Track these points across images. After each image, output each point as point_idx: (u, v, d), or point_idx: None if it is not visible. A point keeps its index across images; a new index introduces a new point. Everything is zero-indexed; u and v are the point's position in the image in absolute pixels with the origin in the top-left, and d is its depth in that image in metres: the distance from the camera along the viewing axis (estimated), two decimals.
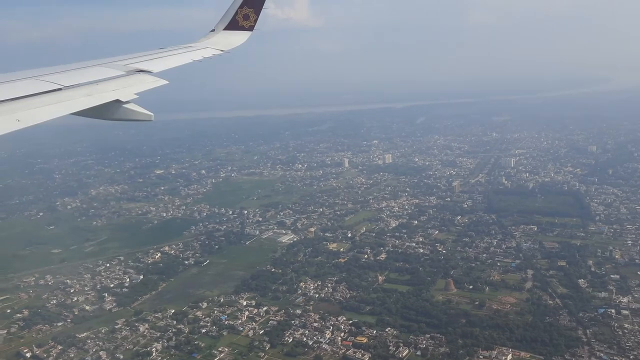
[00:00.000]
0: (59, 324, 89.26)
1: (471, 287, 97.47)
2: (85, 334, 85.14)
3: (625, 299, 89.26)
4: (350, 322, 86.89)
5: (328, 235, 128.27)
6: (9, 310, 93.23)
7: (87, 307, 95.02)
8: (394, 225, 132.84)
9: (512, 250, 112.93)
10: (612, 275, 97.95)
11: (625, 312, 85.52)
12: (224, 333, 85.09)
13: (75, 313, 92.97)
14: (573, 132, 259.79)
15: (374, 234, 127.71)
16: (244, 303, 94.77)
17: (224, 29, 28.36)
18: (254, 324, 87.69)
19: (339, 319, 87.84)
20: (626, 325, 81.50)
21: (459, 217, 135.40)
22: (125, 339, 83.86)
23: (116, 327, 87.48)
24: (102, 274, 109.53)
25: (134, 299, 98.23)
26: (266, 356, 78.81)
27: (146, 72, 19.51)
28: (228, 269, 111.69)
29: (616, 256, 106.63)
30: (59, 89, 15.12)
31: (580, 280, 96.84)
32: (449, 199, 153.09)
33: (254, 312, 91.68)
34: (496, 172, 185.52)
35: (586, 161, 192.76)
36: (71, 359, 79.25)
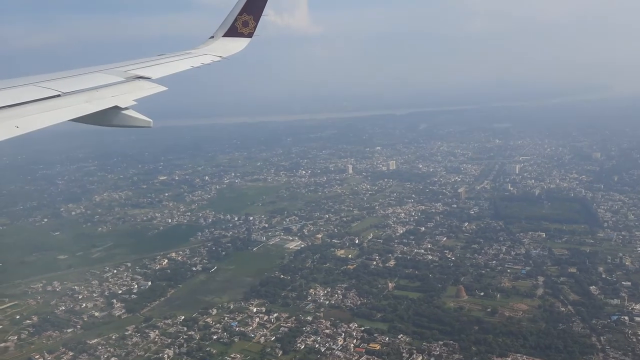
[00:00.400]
0: (69, 330, 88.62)
1: (482, 293, 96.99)
2: (95, 340, 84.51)
3: (638, 306, 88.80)
4: (362, 328, 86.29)
5: (335, 241, 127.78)
6: (18, 317, 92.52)
7: (96, 314, 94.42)
8: (401, 231, 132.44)
9: (522, 257, 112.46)
10: (623, 282, 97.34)
11: (638, 319, 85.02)
12: (235, 340, 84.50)
13: (85, 319, 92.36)
14: (576, 139, 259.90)
15: (381, 241, 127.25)
16: (254, 309, 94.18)
17: (223, 36, 28.25)
18: (265, 330, 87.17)
19: (351, 325, 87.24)
20: None
21: (466, 224, 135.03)
22: (136, 346, 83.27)
23: (126, 333, 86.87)
24: (110, 280, 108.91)
25: (143, 306, 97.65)
26: None
27: (145, 78, 19.41)
28: (236, 275, 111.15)
29: (626, 263, 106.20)
30: (58, 95, 15.01)
31: (591, 287, 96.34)
32: (455, 206, 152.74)
33: (265, 318, 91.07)
34: (501, 179, 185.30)
35: (591, 168, 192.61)
36: None
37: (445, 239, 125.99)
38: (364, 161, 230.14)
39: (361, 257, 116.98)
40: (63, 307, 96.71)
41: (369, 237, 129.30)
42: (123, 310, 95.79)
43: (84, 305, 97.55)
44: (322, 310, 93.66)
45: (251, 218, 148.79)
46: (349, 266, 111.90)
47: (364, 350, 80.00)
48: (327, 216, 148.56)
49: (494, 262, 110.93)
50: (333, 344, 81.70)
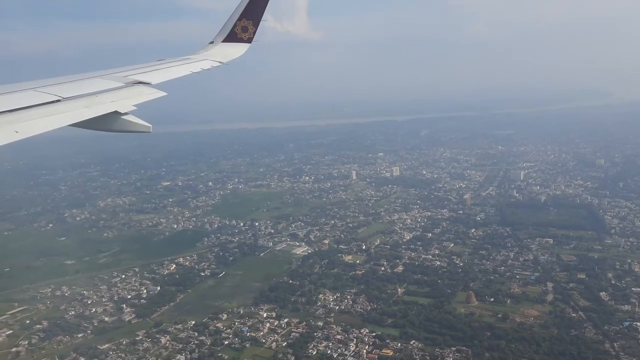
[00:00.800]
0: (79, 335, 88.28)
1: (492, 299, 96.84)
2: (106, 345, 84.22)
3: None
4: (374, 334, 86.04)
5: (342, 247, 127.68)
6: (28, 321, 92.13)
7: (106, 319, 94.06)
8: (408, 237, 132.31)
9: (530, 263, 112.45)
10: (633, 288, 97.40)
11: None
12: (247, 345, 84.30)
13: (95, 324, 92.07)
14: (579, 146, 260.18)
15: (388, 247, 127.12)
16: (264, 315, 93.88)
17: (222, 41, 28.33)
18: (276, 335, 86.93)
19: (362, 331, 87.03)
20: None
21: (473, 230, 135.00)
22: (147, 351, 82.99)
23: (137, 338, 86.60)
24: (118, 285, 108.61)
25: (153, 310, 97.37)
26: None
27: (145, 83, 19.42)
28: (245, 281, 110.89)
29: (635, 269, 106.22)
30: (58, 101, 15.03)
31: (601, 293, 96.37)
32: (461, 212, 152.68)
33: (275, 323, 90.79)
34: (506, 185, 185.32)
35: (596, 174, 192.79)
36: None
37: (452, 245, 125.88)
38: (367, 167, 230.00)
39: (369, 263, 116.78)
40: (73, 312, 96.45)
41: (376, 243, 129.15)
42: (133, 315, 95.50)
43: (94, 310, 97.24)
44: (332, 315, 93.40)
45: (257, 224, 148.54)
46: (357, 272, 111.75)
47: (376, 357, 79.83)
48: (333, 222, 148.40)
49: (503, 268, 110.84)
50: (345, 350, 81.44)
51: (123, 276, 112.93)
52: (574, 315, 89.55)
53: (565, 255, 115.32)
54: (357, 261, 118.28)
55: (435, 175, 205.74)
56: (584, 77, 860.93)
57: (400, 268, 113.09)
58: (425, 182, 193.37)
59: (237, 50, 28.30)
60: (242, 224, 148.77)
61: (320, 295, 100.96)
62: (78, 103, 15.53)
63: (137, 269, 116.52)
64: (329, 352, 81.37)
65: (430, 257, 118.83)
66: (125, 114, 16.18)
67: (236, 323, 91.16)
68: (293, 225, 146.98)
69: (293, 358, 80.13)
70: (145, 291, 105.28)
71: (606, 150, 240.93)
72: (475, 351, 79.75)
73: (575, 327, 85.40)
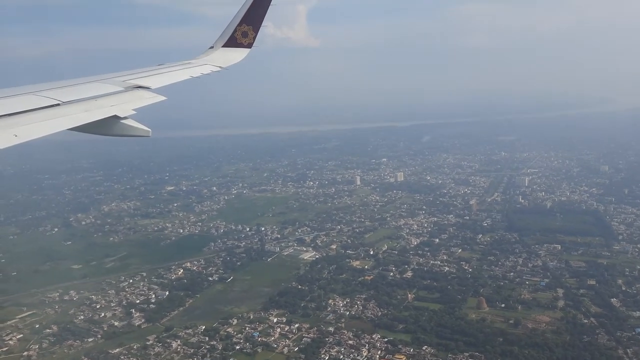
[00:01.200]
0: (90, 339, 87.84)
1: (503, 305, 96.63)
2: (117, 350, 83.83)
3: None
4: (385, 340, 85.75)
5: (350, 252, 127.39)
6: (37, 326, 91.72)
7: (116, 323, 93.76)
8: (415, 243, 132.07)
9: (539, 269, 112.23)
10: None
11: None
12: (259, 350, 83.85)
13: (105, 329, 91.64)
14: (582, 152, 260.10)
15: (396, 252, 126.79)
16: (275, 320, 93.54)
17: (222, 46, 28.37)
18: (288, 340, 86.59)
19: (374, 336, 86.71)
20: None
21: (480, 236, 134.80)
22: (158, 356, 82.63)
23: (148, 343, 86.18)
24: (127, 289, 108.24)
25: (163, 315, 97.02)
26: None
27: (144, 88, 19.45)
28: (253, 286, 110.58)
29: None
30: (57, 105, 15.05)
31: (612, 300, 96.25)
32: (467, 218, 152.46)
33: (286, 329, 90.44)
34: (511, 191, 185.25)
35: (600, 181, 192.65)
36: None
37: (460, 250, 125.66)
38: (370, 172, 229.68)
39: (377, 268, 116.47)
40: (82, 317, 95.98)
41: (384, 249, 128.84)
42: (142, 320, 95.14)
43: (103, 314, 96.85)
44: (343, 320, 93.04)
45: (263, 229, 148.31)
46: (366, 277, 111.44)
47: None
48: (339, 227, 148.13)
49: (512, 273, 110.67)
50: (358, 355, 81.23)
51: (131, 281, 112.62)
52: (585, 321, 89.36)
53: (574, 262, 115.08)
54: (366, 266, 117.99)
55: (440, 181, 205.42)
56: (582, 83, 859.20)
57: (409, 274, 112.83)
58: (430, 188, 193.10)
59: (237, 55, 28.41)
60: (248, 229, 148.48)
61: (330, 301, 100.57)
62: (77, 107, 15.55)
63: (144, 274, 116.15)
64: (341, 357, 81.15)
65: (438, 262, 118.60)
66: (125, 118, 16.19)
67: (247, 328, 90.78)
68: (299, 230, 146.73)
69: None
70: (153, 296, 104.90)
71: (609, 157, 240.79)
72: (489, 357, 79.52)
73: (587, 334, 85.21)
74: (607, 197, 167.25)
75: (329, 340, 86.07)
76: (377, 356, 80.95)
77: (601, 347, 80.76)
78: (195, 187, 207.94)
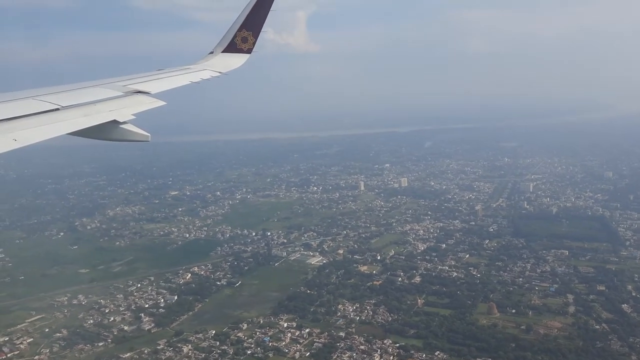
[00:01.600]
0: (100, 344, 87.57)
1: (514, 310, 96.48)
2: (128, 354, 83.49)
3: None
4: (397, 345, 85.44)
5: (357, 257, 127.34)
6: (47, 330, 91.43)
7: (126, 327, 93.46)
8: (422, 248, 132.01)
9: (548, 275, 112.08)
10: None
11: None
12: (270, 355, 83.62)
13: (115, 333, 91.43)
14: (586, 158, 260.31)
15: (403, 257, 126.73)
16: (285, 324, 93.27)
17: (222, 51, 28.34)
18: (299, 345, 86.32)
19: (385, 342, 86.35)
20: None
21: (487, 241, 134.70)
22: None
23: (158, 347, 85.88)
24: (135, 294, 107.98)
25: (172, 320, 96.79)
26: None
27: (144, 93, 19.37)
28: (262, 290, 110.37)
29: None
30: (57, 109, 14.99)
31: (623, 305, 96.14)
32: (473, 223, 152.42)
33: (297, 333, 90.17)
34: (516, 197, 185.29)
35: (604, 187, 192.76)
36: None
37: (467, 256, 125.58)
38: (374, 178, 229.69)
39: (385, 274, 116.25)
40: (91, 321, 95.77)
41: (391, 254, 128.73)
42: (152, 324, 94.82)
43: (112, 319, 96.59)
44: (353, 326, 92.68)
45: (269, 233, 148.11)
46: (374, 282, 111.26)
47: None
48: (345, 232, 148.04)
49: (521, 279, 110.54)
50: None
51: (139, 285, 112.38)
52: (597, 327, 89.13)
53: (582, 267, 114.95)
54: (374, 271, 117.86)
55: (444, 187, 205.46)
56: (584, 89, 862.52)
57: (418, 279, 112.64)
58: (434, 193, 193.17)
59: (237, 60, 28.36)
60: (254, 234, 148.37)
61: (340, 306, 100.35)
62: (77, 112, 15.48)
63: (152, 278, 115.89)
64: None
65: (446, 268, 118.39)
66: (124, 123, 16.14)
67: (257, 333, 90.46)
68: (305, 235, 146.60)
69: None
70: (162, 300, 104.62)
71: (613, 163, 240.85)
72: None
73: (600, 339, 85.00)
74: (612, 203, 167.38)
75: (340, 345, 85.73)
76: None
77: (614, 353, 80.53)
78: (199, 192, 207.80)
